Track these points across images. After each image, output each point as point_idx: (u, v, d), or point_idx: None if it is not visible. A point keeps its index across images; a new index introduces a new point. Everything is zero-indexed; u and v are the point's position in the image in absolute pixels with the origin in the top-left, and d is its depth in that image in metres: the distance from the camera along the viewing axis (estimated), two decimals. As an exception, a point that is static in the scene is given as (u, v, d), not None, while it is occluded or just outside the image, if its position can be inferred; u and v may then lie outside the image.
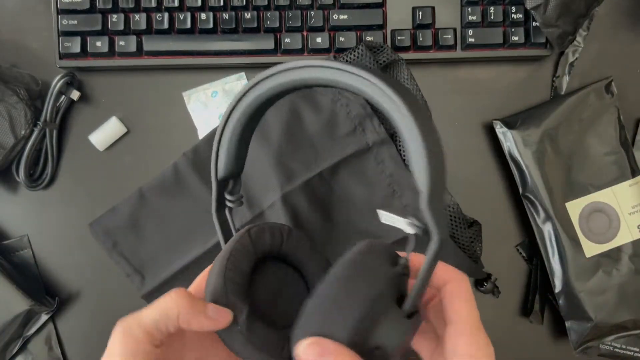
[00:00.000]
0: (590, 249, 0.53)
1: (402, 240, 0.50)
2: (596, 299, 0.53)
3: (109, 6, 0.54)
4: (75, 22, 0.55)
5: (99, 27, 0.54)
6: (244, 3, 0.55)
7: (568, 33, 0.53)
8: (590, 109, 0.55)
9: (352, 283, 0.27)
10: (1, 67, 0.54)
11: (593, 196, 0.54)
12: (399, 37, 0.55)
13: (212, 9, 0.55)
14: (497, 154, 0.58)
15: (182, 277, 0.54)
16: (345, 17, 0.55)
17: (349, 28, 0.55)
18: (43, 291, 0.56)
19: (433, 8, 0.56)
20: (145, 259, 0.55)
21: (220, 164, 0.32)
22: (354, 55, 0.54)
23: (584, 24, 0.56)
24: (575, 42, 0.57)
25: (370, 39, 0.55)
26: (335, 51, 0.55)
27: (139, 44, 0.55)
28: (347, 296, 0.26)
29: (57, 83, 0.54)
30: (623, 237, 0.54)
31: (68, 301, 0.57)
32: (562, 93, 0.57)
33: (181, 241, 0.55)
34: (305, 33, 0.55)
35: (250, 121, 0.31)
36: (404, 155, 0.54)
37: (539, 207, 0.54)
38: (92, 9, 0.55)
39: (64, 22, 0.55)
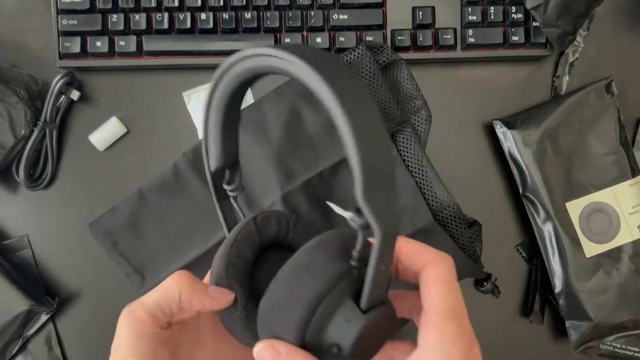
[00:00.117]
0: (591, 249, 0.53)
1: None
2: (596, 299, 0.53)
3: (109, 6, 0.54)
4: (75, 22, 0.55)
5: (99, 27, 0.54)
6: (244, 3, 0.55)
7: (568, 33, 0.53)
8: (590, 109, 0.55)
9: (300, 281, 0.27)
10: (1, 67, 0.54)
11: (593, 196, 0.54)
12: (399, 37, 0.55)
13: (212, 9, 0.55)
14: (497, 154, 0.58)
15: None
16: (345, 17, 0.55)
17: (349, 28, 0.55)
18: (43, 291, 0.56)
19: (433, 8, 0.56)
20: (145, 259, 0.55)
21: (211, 156, 0.32)
22: (354, 55, 0.54)
23: (584, 24, 0.56)
24: (575, 42, 0.57)
25: (370, 39, 0.55)
26: (335, 51, 0.55)
27: (139, 44, 0.55)
28: (296, 295, 0.26)
29: (57, 83, 0.54)
30: (623, 237, 0.54)
31: (68, 301, 0.57)
32: (562, 93, 0.57)
33: (181, 241, 0.55)
34: (305, 33, 0.55)
35: (230, 110, 0.31)
36: (404, 155, 0.54)
37: (539, 207, 0.54)
38: (92, 9, 0.55)
39: (64, 22, 0.55)
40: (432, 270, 0.27)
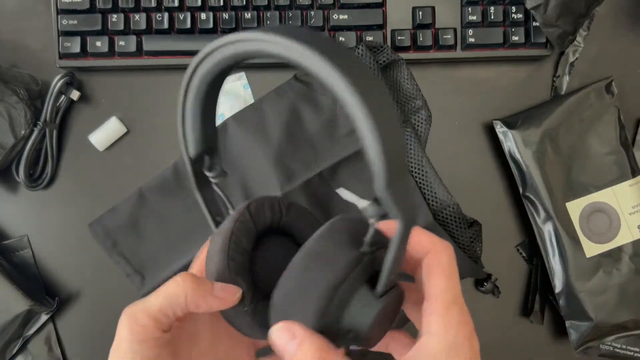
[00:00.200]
0: (591, 249, 0.53)
1: None
2: (596, 299, 0.53)
3: (109, 6, 0.54)
4: (75, 22, 0.55)
5: (98, 27, 0.54)
6: (244, 3, 0.55)
7: (568, 33, 0.53)
8: (590, 109, 0.55)
9: (314, 270, 0.27)
10: (1, 67, 0.54)
11: (593, 196, 0.54)
12: (399, 37, 0.55)
13: (212, 9, 0.55)
14: (497, 154, 0.58)
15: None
16: (345, 17, 0.55)
17: (349, 28, 0.55)
18: (43, 291, 0.56)
19: (433, 8, 0.56)
20: (145, 259, 0.55)
21: (190, 142, 0.31)
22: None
23: (584, 23, 0.56)
24: (575, 42, 0.57)
25: (370, 39, 0.55)
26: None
27: (139, 44, 0.55)
28: (311, 284, 0.26)
29: (57, 83, 0.54)
30: (623, 237, 0.54)
31: (68, 301, 0.57)
32: (563, 93, 0.57)
33: (181, 241, 0.55)
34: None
35: (212, 94, 0.30)
36: (404, 155, 0.54)
37: (539, 207, 0.54)
38: (92, 9, 0.55)
39: (64, 22, 0.55)
40: (435, 258, 0.27)
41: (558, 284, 0.53)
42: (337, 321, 0.26)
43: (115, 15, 0.54)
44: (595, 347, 0.54)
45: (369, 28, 0.56)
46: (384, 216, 0.25)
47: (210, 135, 0.31)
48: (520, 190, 0.55)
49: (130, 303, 0.28)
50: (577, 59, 0.57)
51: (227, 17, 0.55)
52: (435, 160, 0.53)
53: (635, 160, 0.55)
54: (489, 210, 0.57)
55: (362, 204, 0.26)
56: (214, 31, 0.55)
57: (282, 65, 0.56)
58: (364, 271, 0.27)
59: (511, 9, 0.55)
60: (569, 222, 0.53)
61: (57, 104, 0.55)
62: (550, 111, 0.55)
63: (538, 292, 0.56)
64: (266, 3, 0.55)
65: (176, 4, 0.54)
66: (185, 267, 0.54)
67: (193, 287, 0.28)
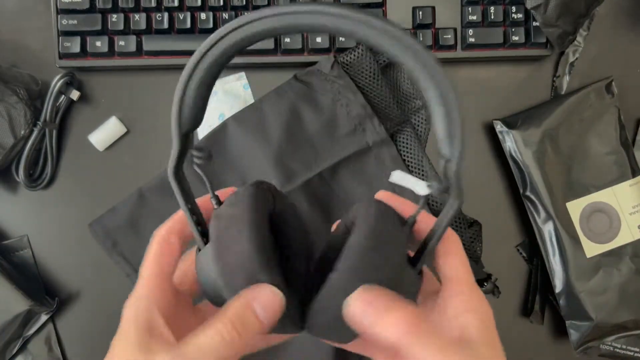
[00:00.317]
0: (591, 249, 0.53)
1: None
2: (597, 299, 0.52)
3: (109, 6, 0.54)
4: (75, 22, 0.55)
5: (98, 27, 0.54)
6: (244, 3, 0.55)
7: (568, 33, 0.53)
8: (590, 109, 0.55)
9: (377, 251, 0.27)
10: (1, 67, 0.54)
11: (594, 196, 0.54)
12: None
13: (212, 8, 0.55)
14: (497, 154, 0.58)
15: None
16: (346, 17, 0.55)
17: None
18: (43, 291, 0.56)
19: (433, 8, 0.56)
20: (145, 259, 0.55)
21: (185, 115, 0.30)
22: (354, 55, 0.54)
23: (585, 23, 0.56)
24: (575, 42, 0.57)
25: (371, 38, 0.55)
26: (336, 51, 0.55)
27: (139, 44, 0.55)
28: (373, 264, 0.26)
29: (56, 83, 0.54)
30: (624, 237, 0.54)
31: (68, 301, 0.57)
32: (563, 93, 0.57)
33: (181, 241, 0.54)
34: (305, 33, 0.55)
35: (219, 67, 0.29)
36: (404, 156, 0.54)
37: (540, 207, 0.54)
38: (91, 9, 0.55)
39: (64, 22, 0.55)
40: (450, 243, 0.29)
41: (558, 284, 0.53)
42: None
43: (115, 15, 0.54)
44: (595, 347, 0.54)
45: (369, 28, 0.55)
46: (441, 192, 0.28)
47: (201, 115, 0.30)
48: (521, 190, 0.55)
49: None
50: (577, 59, 0.57)
51: (227, 17, 0.55)
52: (435, 160, 0.53)
53: (636, 160, 0.55)
54: (489, 210, 0.57)
55: (423, 184, 0.28)
56: (214, 31, 0.55)
57: (282, 65, 0.56)
58: (406, 249, 0.29)
59: (511, 9, 0.55)
60: (569, 222, 0.53)
61: (57, 104, 0.55)
62: (550, 111, 0.55)
63: (538, 292, 0.56)
64: (266, 3, 0.55)
65: (176, 4, 0.54)
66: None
67: (244, 337, 0.25)
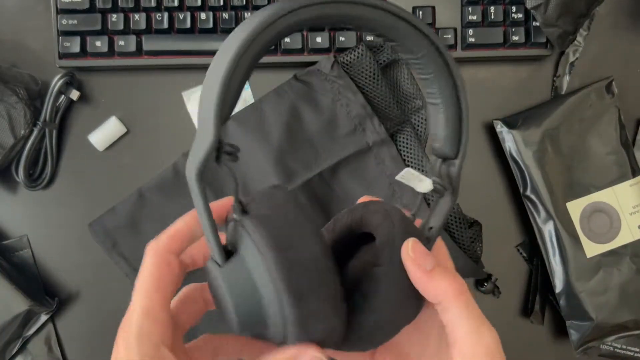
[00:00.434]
0: (591, 249, 0.53)
1: None
2: (597, 299, 0.52)
3: (109, 6, 0.54)
4: (75, 21, 0.54)
5: (98, 27, 0.54)
6: (244, 3, 0.55)
7: (568, 33, 0.53)
8: (590, 109, 0.55)
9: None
10: (1, 67, 0.54)
11: (594, 196, 0.54)
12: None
13: (212, 8, 0.55)
14: (497, 154, 0.57)
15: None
16: (346, 16, 0.55)
17: (349, 28, 0.55)
18: (42, 291, 0.56)
19: (433, 8, 0.56)
20: (145, 259, 0.55)
21: (229, 103, 0.24)
22: (354, 55, 0.54)
23: (585, 23, 0.56)
24: (575, 42, 0.57)
25: (371, 38, 0.55)
26: (336, 51, 0.55)
27: (139, 44, 0.55)
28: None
29: (56, 83, 0.54)
30: (624, 237, 0.54)
31: (68, 301, 0.56)
32: (563, 93, 0.57)
33: (181, 241, 0.54)
34: (305, 33, 0.55)
35: (266, 51, 0.25)
36: (404, 156, 0.54)
37: (540, 207, 0.54)
38: (91, 9, 0.54)
39: (64, 21, 0.55)
40: (455, 307, 0.28)
41: (558, 284, 0.53)
42: None
43: (115, 15, 0.54)
44: (595, 347, 0.54)
45: (369, 28, 0.55)
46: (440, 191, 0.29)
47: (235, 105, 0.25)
48: (521, 190, 0.55)
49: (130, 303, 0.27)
50: (577, 58, 0.57)
51: (227, 17, 0.55)
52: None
53: (636, 160, 0.55)
54: (489, 210, 0.57)
55: (429, 180, 0.29)
56: (213, 31, 0.55)
57: (282, 65, 0.56)
58: None
59: (511, 9, 0.55)
60: (569, 222, 0.53)
61: (57, 104, 0.55)
62: (550, 111, 0.55)
63: (538, 292, 0.55)
64: (266, 3, 0.55)
65: (176, 3, 0.54)
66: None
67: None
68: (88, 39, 0.55)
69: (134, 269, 0.55)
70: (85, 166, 0.57)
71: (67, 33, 0.55)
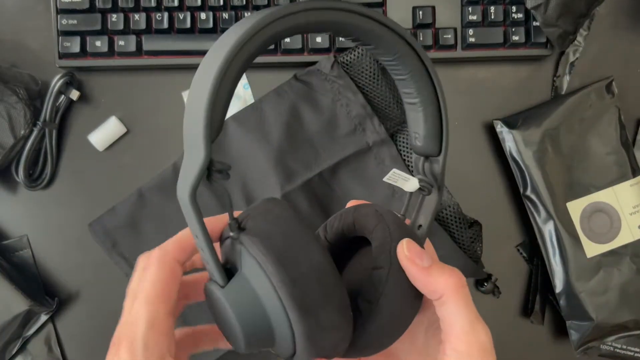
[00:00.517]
0: (592, 249, 0.53)
1: None
2: (597, 299, 0.52)
3: (109, 6, 0.54)
4: (75, 21, 0.54)
5: (98, 27, 0.54)
6: (244, 3, 0.55)
7: (569, 33, 0.53)
8: (591, 109, 0.55)
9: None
10: (1, 67, 0.53)
11: (594, 196, 0.54)
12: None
13: (212, 8, 0.55)
14: (497, 154, 0.57)
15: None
16: (346, 16, 0.55)
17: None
18: (42, 291, 0.56)
19: (433, 7, 0.56)
20: (145, 259, 0.55)
21: (217, 118, 0.23)
22: (354, 55, 0.54)
23: (585, 23, 0.56)
24: (575, 42, 0.57)
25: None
26: (336, 51, 0.55)
27: (139, 44, 0.55)
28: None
29: (56, 83, 0.54)
30: (624, 237, 0.54)
31: (68, 301, 0.56)
32: (563, 93, 0.57)
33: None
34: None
35: (251, 61, 0.24)
36: (404, 155, 0.54)
37: (540, 207, 0.54)
38: (91, 9, 0.54)
39: (64, 21, 0.55)
40: (452, 303, 0.28)
41: (558, 284, 0.53)
42: None
43: (115, 15, 0.54)
44: (595, 347, 0.54)
45: (369, 28, 0.55)
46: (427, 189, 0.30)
47: (222, 122, 0.24)
48: (521, 190, 0.55)
49: None
50: (577, 58, 0.57)
51: (227, 17, 0.55)
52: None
53: (636, 160, 0.55)
54: (489, 210, 0.57)
55: (415, 179, 0.30)
56: (213, 31, 0.55)
57: (282, 65, 0.56)
58: None
59: (511, 9, 0.55)
60: (569, 222, 0.53)
61: (57, 104, 0.55)
62: (550, 111, 0.55)
63: (538, 292, 0.55)
64: (266, 3, 0.55)
65: (176, 3, 0.54)
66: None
67: None
68: (88, 39, 0.55)
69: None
70: (85, 166, 0.57)
71: (67, 33, 0.55)
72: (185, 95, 0.57)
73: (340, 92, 0.54)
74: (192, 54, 0.55)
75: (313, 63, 0.55)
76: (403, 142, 0.54)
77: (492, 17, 0.55)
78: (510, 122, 0.55)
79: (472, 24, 0.56)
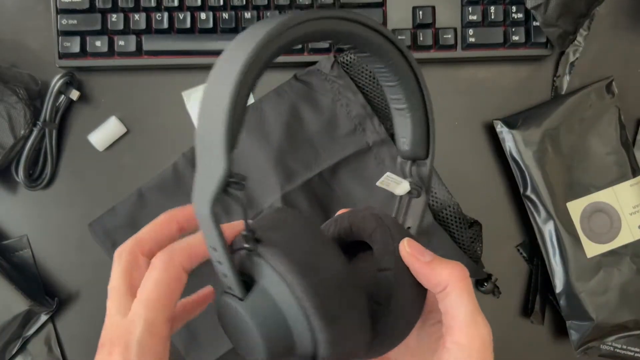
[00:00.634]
0: (592, 249, 0.53)
1: None
2: (597, 299, 0.52)
3: (109, 6, 0.54)
4: (75, 21, 0.54)
5: (98, 27, 0.54)
6: (244, 3, 0.55)
7: (569, 33, 0.53)
8: (591, 109, 0.55)
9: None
10: (1, 67, 0.54)
11: (594, 196, 0.54)
12: (399, 37, 0.55)
13: (212, 8, 0.55)
14: (497, 154, 0.57)
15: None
16: (346, 16, 0.55)
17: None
18: (42, 291, 0.56)
19: (433, 7, 0.56)
20: (145, 259, 0.55)
21: (236, 127, 0.22)
22: (354, 55, 0.54)
23: (585, 23, 0.56)
24: (575, 42, 0.57)
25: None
26: (335, 51, 0.55)
27: (139, 44, 0.55)
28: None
29: (56, 83, 0.54)
30: (624, 237, 0.54)
31: (68, 301, 0.56)
32: (563, 93, 0.57)
33: (181, 241, 0.54)
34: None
35: (269, 62, 0.23)
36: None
37: (540, 207, 0.54)
38: (91, 9, 0.54)
39: (64, 21, 0.55)
40: (454, 295, 0.29)
41: (558, 284, 0.53)
42: None
43: (115, 15, 0.54)
44: (595, 348, 0.54)
45: (369, 28, 0.55)
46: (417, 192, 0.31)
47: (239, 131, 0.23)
48: (521, 190, 0.55)
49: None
50: (577, 58, 0.57)
51: (227, 17, 0.55)
52: (435, 159, 0.53)
53: (636, 160, 0.55)
54: (489, 210, 0.57)
55: (406, 182, 0.31)
56: (213, 31, 0.55)
57: (282, 65, 0.56)
58: None
59: (511, 9, 0.55)
60: (569, 222, 0.53)
61: (57, 104, 0.55)
62: (550, 111, 0.55)
63: (538, 292, 0.55)
64: (266, 3, 0.55)
65: (176, 3, 0.54)
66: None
67: None
68: (88, 39, 0.55)
69: (134, 269, 0.55)
70: (85, 166, 0.57)
71: (67, 33, 0.55)
72: (185, 95, 0.57)
73: (340, 92, 0.54)
74: (192, 54, 0.55)
75: (313, 63, 0.55)
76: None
77: (492, 17, 0.55)
78: (510, 122, 0.55)
79: (472, 24, 0.56)
